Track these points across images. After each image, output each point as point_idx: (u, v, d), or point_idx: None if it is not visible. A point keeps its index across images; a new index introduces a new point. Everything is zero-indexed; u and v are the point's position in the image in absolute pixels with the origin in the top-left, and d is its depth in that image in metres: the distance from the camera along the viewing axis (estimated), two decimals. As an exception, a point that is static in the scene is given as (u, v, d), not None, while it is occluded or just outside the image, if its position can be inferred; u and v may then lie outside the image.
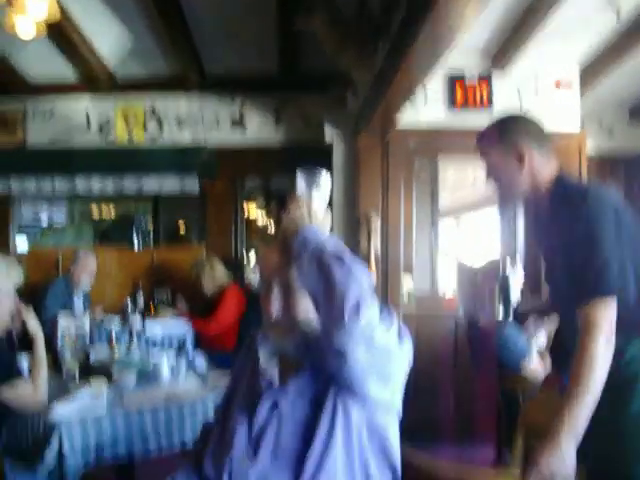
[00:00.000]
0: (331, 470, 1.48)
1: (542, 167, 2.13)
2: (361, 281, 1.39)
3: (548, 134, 2.19)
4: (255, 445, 1.55)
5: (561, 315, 2.27)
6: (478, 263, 3.78)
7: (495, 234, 5.85)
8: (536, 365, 3.52)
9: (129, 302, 5.53)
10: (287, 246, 1.55)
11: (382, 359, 1.40)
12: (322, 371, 1.54)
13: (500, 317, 2.21)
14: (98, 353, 3.56)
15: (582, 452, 1.87)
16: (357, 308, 1.35)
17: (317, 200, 1.65)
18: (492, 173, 2.22)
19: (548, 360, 3.50)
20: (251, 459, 1.54)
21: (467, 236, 9.84)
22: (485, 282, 2.94)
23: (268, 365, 1.69)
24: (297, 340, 1.61)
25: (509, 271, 2.27)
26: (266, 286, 1.64)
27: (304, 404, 1.55)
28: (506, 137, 2.15)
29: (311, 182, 1.67)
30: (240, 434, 1.58)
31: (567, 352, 3.00)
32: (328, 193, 1.70)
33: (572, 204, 1.96)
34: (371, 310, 1.37)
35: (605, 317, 1.82)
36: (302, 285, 1.51)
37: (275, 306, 1.61)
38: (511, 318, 2.22)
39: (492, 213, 6.49)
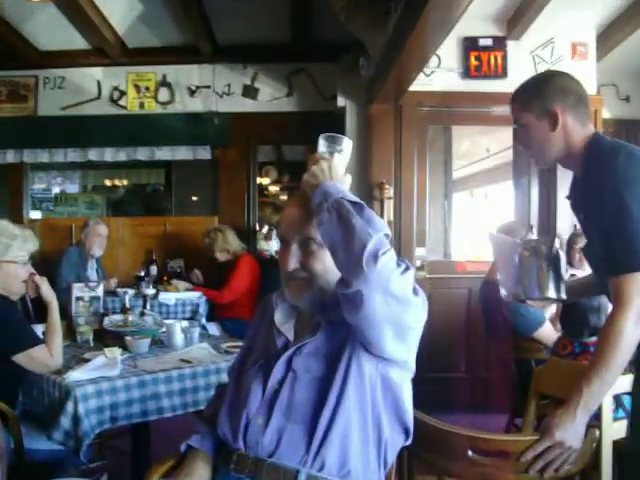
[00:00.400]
0: (344, 424, 1.49)
1: (576, 131, 1.98)
2: (381, 231, 1.40)
3: (585, 94, 2.03)
4: (270, 403, 1.56)
5: (601, 287, 2.06)
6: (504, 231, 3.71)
7: (509, 205, 5.82)
8: (549, 331, 3.52)
9: (142, 272, 5.56)
10: (307, 200, 1.55)
11: (398, 309, 1.40)
12: (338, 330, 1.55)
13: (552, 294, 2.10)
14: (112, 320, 3.58)
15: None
16: (375, 255, 1.35)
17: (338, 162, 1.64)
18: (522, 137, 2.09)
19: (559, 326, 3.49)
20: (265, 417, 1.55)
21: (481, 207, 9.82)
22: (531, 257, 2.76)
23: (284, 324, 1.70)
24: (314, 297, 1.61)
25: (558, 245, 2.14)
26: (285, 241, 1.64)
27: (319, 362, 1.55)
28: (538, 98, 2.00)
29: (333, 146, 1.66)
30: (255, 393, 1.60)
31: (579, 320, 3.00)
32: (348, 159, 1.69)
33: (603, 167, 1.85)
34: (388, 256, 1.37)
35: (637, 291, 1.72)
36: (322, 237, 1.50)
37: (293, 261, 1.60)
38: (564, 296, 2.11)
39: (506, 185, 6.44)
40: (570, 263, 4.64)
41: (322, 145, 1.67)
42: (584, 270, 4.47)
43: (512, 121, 2.10)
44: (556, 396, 3.17)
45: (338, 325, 1.55)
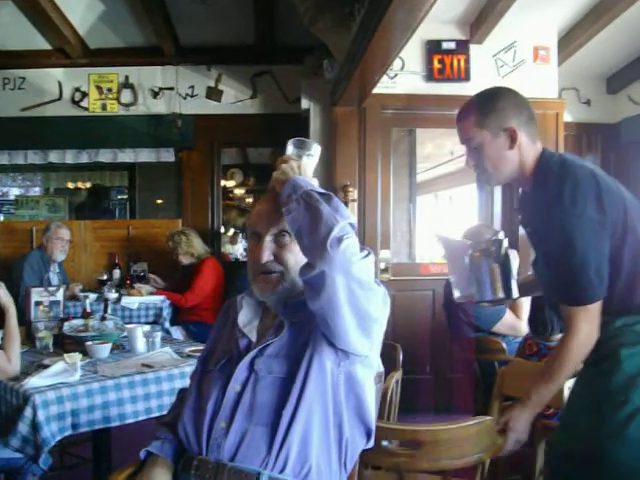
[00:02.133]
0: (304, 423, 1.49)
1: (529, 148, 1.98)
2: (347, 218, 1.43)
3: (534, 110, 2.03)
4: (232, 406, 1.55)
5: (546, 298, 2.25)
6: (460, 233, 3.79)
7: (473, 208, 5.88)
8: (511, 320, 3.55)
9: (105, 276, 5.49)
10: (277, 196, 1.57)
11: (360, 295, 1.41)
12: (301, 331, 1.57)
13: (504, 295, 2.13)
14: (72, 325, 3.52)
15: (563, 422, 2.05)
16: (340, 239, 1.38)
17: (307, 164, 1.66)
18: (474, 156, 2.02)
19: (524, 324, 3.53)
20: (228, 420, 1.54)
21: (445, 210, 9.90)
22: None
23: (247, 325, 1.70)
24: (281, 295, 1.62)
25: (507, 245, 2.14)
26: (258, 235, 1.65)
27: (281, 363, 1.56)
28: (494, 115, 1.95)
29: (302, 151, 1.68)
30: (217, 396, 1.59)
31: (544, 321, 3.04)
32: (316, 163, 1.71)
33: (551, 195, 1.86)
34: (351, 240, 1.40)
35: (586, 320, 1.86)
36: (289, 224, 1.51)
37: (267, 253, 1.62)
38: (515, 295, 2.15)
39: (471, 187, 6.50)
40: None
41: (291, 150, 1.68)
42: None
43: (461, 140, 2.04)
44: (519, 397, 3.21)
45: (301, 326, 1.57)
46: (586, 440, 1.88)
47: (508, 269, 2.12)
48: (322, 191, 1.50)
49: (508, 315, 3.55)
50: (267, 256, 1.62)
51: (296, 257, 1.59)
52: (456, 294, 2.23)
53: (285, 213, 1.49)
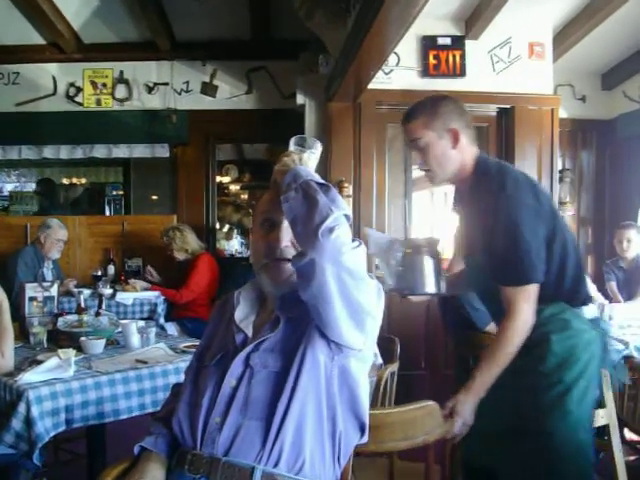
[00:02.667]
0: (298, 417, 1.49)
1: (468, 150, 2.22)
2: (342, 210, 1.43)
3: (470, 117, 2.28)
4: (227, 401, 1.55)
5: (479, 289, 2.46)
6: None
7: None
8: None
9: (99, 271, 5.48)
10: (279, 187, 1.56)
11: (351, 285, 1.42)
12: (297, 327, 1.56)
13: (432, 290, 2.31)
14: (66, 320, 3.51)
15: (496, 402, 2.13)
16: (332, 228, 1.38)
17: (308, 160, 1.67)
18: (421, 155, 2.25)
19: None
20: (223, 415, 1.54)
21: (441, 207, 9.89)
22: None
23: (243, 321, 1.69)
24: (292, 286, 1.59)
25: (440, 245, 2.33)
26: (273, 222, 1.65)
27: (275, 357, 1.55)
28: (440, 117, 2.19)
29: (303, 149, 1.69)
30: (212, 391, 1.59)
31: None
32: (317, 161, 1.73)
33: (494, 189, 2.10)
34: (343, 230, 1.40)
35: (526, 301, 2.07)
36: (285, 212, 1.50)
37: (286, 237, 1.62)
38: (443, 290, 2.33)
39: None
40: None
41: (293, 148, 1.69)
42: None
43: (408, 140, 2.27)
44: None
45: (297, 322, 1.57)
46: (525, 416, 2.12)
47: (438, 266, 2.29)
48: (321, 181, 1.50)
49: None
50: (286, 241, 1.62)
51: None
52: (386, 287, 2.27)
53: (283, 201, 1.49)
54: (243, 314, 1.71)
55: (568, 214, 6.12)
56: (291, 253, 1.60)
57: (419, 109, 2.24)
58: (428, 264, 2.26)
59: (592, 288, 4.42)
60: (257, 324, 1.68)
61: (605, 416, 3.06)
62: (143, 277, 5.57)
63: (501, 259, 2.09)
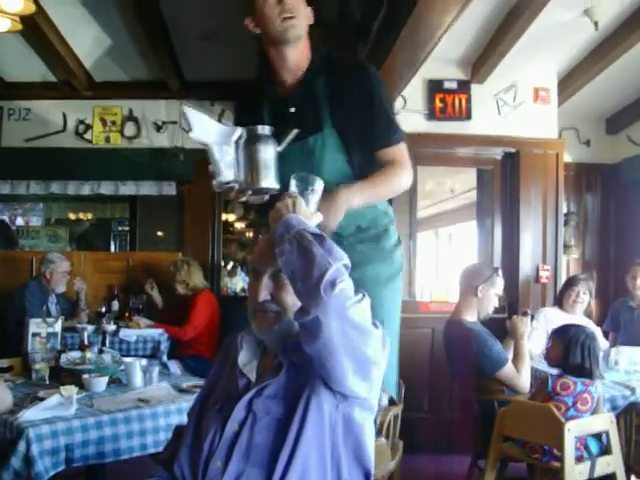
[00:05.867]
0: (302, 465, 1.47)
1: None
2: (340, 260, 1.43)
3: None
4: (229, 446, 1.53)
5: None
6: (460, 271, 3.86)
7: (472, 245, 5.89)
8: (511, 372, 3.52)
9: (103, 308, 5.46)
10: (273, 234, 1.57)
11: (356, 339, 1.40)
12: (300, 372, 1.54)
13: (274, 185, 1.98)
14: (69, 357, 3.50)
15: None
16: (333, 282, 1.37)
17: (308, 201, 1.68)
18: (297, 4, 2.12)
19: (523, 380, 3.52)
20: (224, 460, 1.52)
21: (445, 246, 9.90)
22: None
23: (247, 365, 1.68)
24: (279, 334, 1.61)
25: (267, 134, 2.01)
26: (257, 273, 1.65)
27: (279, 404, 1.54)
28: None
29: (305, 187, 1.69)
30: (214, 435, 1.57)
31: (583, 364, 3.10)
32: (319, 198, 1.74)
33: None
34: (346, 284, 1.39)
35: (407, 156, 2.19)
36: (282, 267, 1.50)
37: (264, 292, 1.61)
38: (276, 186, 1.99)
39: (470, 225, 6.52)
40: (560, 303, 4.67)
41: (293, 185, 1.69)
42: (575, 314, 4.52)
43: None
44: (519, 438, 3.19)
45: (300, 367, 1.55)
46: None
47: (266, 158, 1.96)
48: (315, 231, 1.50)
49: (510, 365, 3.52)
50: (264, 295, 1.62)
51: (294, 297, 1.56)
52: (217, 182, 1.99)
53: (278, 255, 1.49)
54: (246, 359, 1.70)
55: (573, 257, 6.12)
56: (271, 306, 1.61)
57: None
58: (268, 153, 1.96)
59: (598, 333, 4.39)
60: (260, 369, 1.67)
61: (612, 463, 3.03)
62: (144, 308, 5.56)
63: (381, 124, 2.16)
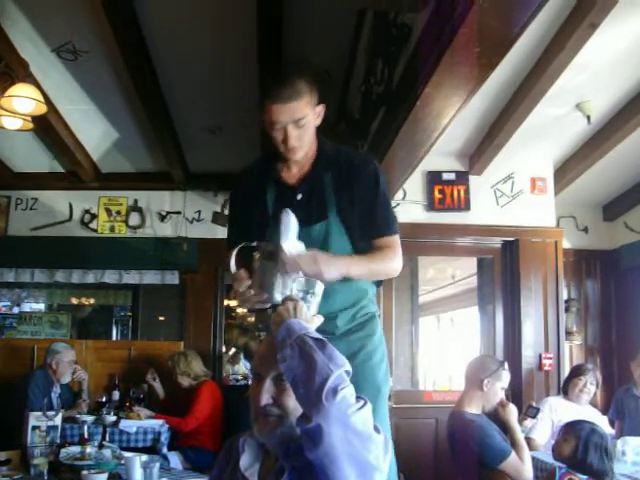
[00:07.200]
0: None
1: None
2: (342, 367, 1.44)
3: None
4: None
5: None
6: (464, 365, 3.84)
7: (474, 330, 5.89)
8: (516, 463, 3.47)
9: (104, 397, 5.42)
10: (274, 338, 1.58)
11: (359, 446, 1.39)
12: (301, 476, 1.53)
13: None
14: (69, 451, 3.46)
15: None
16: (335, 390, 1.38)
17: (309, 304, 1.71)
18: (304, 132, 2.13)
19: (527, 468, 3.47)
20: None
21: (447, 331, 9.87)
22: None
23: (249, 469, 1.67)
24: (282, 438, 1.59)
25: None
26: (259, 376, 1.65)
27: None
28: (315, 93, 2.13)
29: (305, 290, 1.73)
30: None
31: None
32: (319, 300, 1.76)
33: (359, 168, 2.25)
34: (348, 391, 1.40)
35: (399, 244, 2.25)
36: (284, 372, 1.51)
37: (266, 396, 1.61)
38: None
39: (472, 310, 6.54)
40: (565, 392, 4.62)
41: (294, 289, 1.71)
42: (581, 404, 4.47)
43: (289, 120, 2.07)
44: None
45: (302, 471, 1.53)
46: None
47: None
48: (317, 336, 1.52)
49: (514, 455, 3.48)
50: (266, 399, 1.61)
51: (296, 401, 1.56)
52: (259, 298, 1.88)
53: (280, 360, 1.51)
54: (248, 462, 1.69)
55: (576, 343, 6.11)
56: (272, 410, 1.60)
57: (301, 86, 2.07)
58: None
59: (604, 422, 4.34)
60: (262, 472, 1.66)
61: None
62: (144, 397, 5.51)
63: (380, 214, 2.24)
